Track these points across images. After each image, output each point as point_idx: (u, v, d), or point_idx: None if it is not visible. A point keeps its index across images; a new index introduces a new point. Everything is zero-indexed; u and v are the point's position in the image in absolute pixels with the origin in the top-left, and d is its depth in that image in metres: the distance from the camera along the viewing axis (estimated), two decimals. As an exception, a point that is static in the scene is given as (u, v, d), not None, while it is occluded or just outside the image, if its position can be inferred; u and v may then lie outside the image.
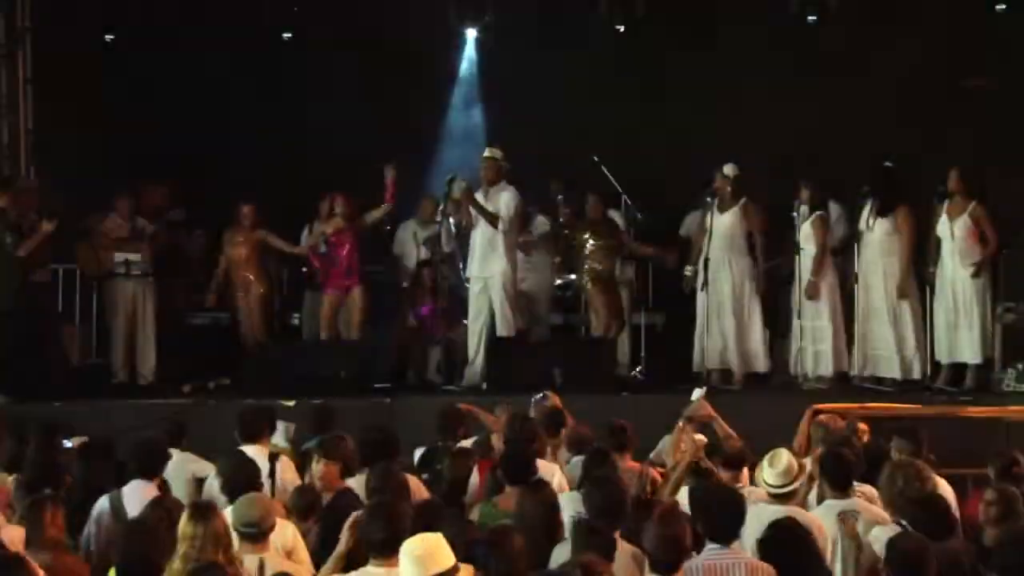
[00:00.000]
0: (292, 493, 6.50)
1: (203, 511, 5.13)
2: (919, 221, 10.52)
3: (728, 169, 10.93)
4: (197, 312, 12.05)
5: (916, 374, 10.51)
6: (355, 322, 11.19)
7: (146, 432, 7.47)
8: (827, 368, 10.59)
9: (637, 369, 11.59)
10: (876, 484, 6.25)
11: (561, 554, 5.38)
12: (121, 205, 11.43)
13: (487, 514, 6.21)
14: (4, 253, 10.43)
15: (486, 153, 11.01)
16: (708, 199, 10.93)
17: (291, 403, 9.28)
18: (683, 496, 6.29)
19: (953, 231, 10.30)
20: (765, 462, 6.09)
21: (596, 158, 12.05)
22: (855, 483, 6.27)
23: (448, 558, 4.72)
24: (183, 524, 5.05)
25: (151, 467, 6.59)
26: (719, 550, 5.21)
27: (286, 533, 5.78)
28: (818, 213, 10.68)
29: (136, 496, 6.26)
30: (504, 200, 10.86)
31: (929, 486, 5.79)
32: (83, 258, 11.71)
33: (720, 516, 5.33)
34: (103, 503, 6.30)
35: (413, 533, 4.91)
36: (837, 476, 6.21)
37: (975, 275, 10.22)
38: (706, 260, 10.75)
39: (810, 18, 12.86)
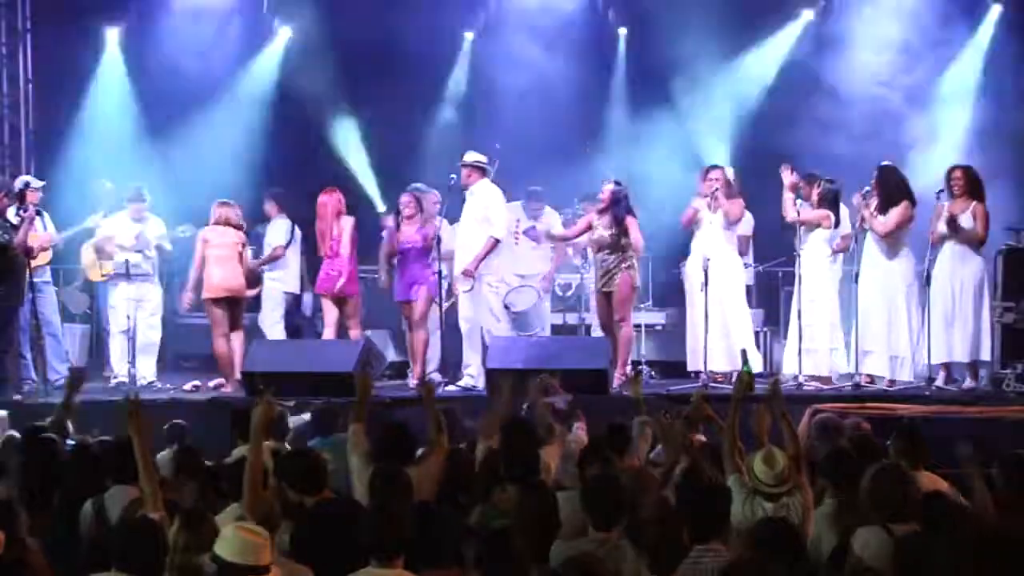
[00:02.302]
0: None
1: (194, 518, 5.11)
2: (917, 220, 10.54)
3: (721, 168, 10.96)
4: (197, 312, 12.03)
5: (916, 374, 10.51)
6: (350, 325, 11.16)
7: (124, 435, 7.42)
8: (827, 368, 10.59)
9: (637, 368, 11.58)
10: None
11: (559, 553, 5.37)
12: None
13: (487, 514, 6.19)
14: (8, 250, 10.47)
15: (463, 159, 11.00)
16: (704, 198, 10.95)
17: (291, 403, 9.27)
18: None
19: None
20: (759, 459, 5.99)
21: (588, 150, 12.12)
22: None
23: (267, 559, 4.75)
24: (174, 531, 5.02)
25: (131, 471, 6.53)
26: (702, 549, 5.19)
27: (286, 534, 5.76)
28: (821, 212, 10.68)
29: (118, 500, 6.22)
30: (485, 201, 10.87)
31: (913, 489, 5.72)
32: (85, 259, 11.72)
33: (702, 515, 5.30)
34: (86, 507, 6.27)
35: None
36: (837, 476, 6.21)
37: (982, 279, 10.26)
38: (704, 259, 10.76)
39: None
